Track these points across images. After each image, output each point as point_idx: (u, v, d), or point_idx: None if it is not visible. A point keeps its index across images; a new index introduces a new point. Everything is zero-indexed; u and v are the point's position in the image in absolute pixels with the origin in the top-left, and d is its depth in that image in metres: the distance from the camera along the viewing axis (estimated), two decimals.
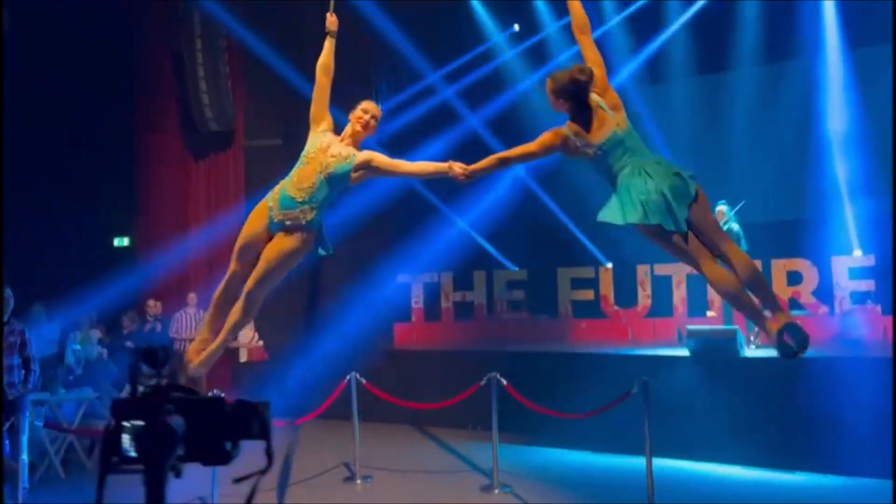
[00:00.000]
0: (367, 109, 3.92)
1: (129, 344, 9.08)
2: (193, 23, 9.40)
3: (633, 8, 10.81)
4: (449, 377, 8.28)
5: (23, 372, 5.46)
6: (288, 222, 3.77)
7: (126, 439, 1.04)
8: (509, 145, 12.04)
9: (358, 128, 3.89)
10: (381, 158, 3.86)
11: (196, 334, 9.03)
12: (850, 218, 9.33)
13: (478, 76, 11.44)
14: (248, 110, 10.26)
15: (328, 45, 3.98)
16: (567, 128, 3.64)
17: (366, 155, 3.84)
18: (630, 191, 3.48)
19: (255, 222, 3.85)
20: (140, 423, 1.04)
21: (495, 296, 11.19)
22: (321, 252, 3.96)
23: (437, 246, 10.91)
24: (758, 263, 3.76)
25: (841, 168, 9.48)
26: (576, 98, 3.61)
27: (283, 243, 3.77)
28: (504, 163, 3.86)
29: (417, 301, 11.13)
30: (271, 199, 3.85)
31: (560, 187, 11.10)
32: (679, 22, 10.53)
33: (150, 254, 10.14)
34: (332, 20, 3.99)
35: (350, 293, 10.71)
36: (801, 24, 9.67)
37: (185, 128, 10.15)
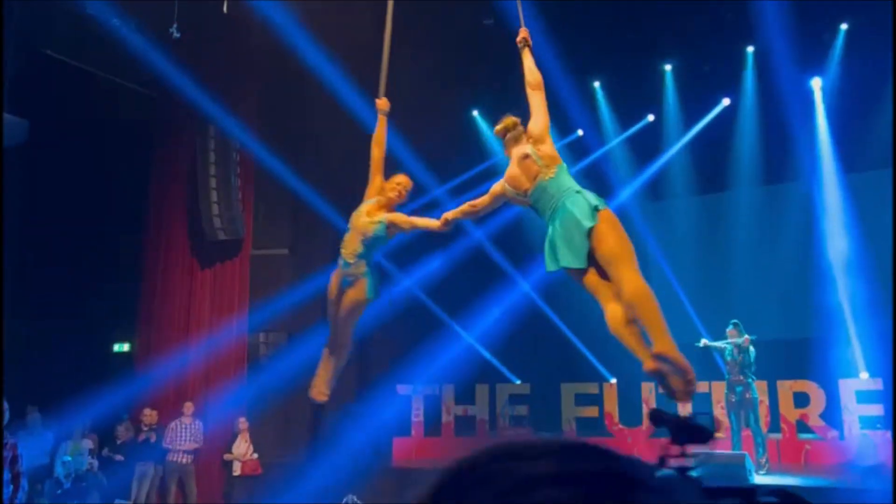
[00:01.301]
0: (399, 182, 4.82)
1: (118, 457, 8.82)
2: (208, 137, 9.71)
3: (633, 129, 11.20)
4: None
5: (11, 487, 5.28)
6: (350, 278, 4.71)
7: None
8: (514, 259, 12.18)
9: (392, 195, 4.77)
10: (400, 218, 4.71)
11: (192, 446, 8.89)
12: (855, 339, 9.26)
13: (482, 191, 11.68)
14: (256, 220, 10.43)
15: (381, 123, 4.88)
16: (503, 182, 4.17)
17: (390, 217, 4.68)
18: (546, 240, 3.94)
19: (332, 283, 4.82)
20: None
21: (497, 410, 10.98)
22: (370, 295, 4.72)
23: (439, 357, 10.80)
24: (650, 296, 3.66)
25: (843, 289, 9.50)
26: (504, 142, 4.24)
27: (351, 294, 4.72)
28: (473, 209, 4.53)
29: (417, 414, 10.91)
30: (339, 264, 4.78)
31: (563, 301, 11.12)
32: (679, 144, 10.87)
33: (149, 361, 10.02)
34: (383, 103, 4.88)
35: (349, 404, 10.51)
36: (798, 148, 9.96)
37: (193, 236, 10.29)
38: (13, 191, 9.19)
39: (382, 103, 4.86)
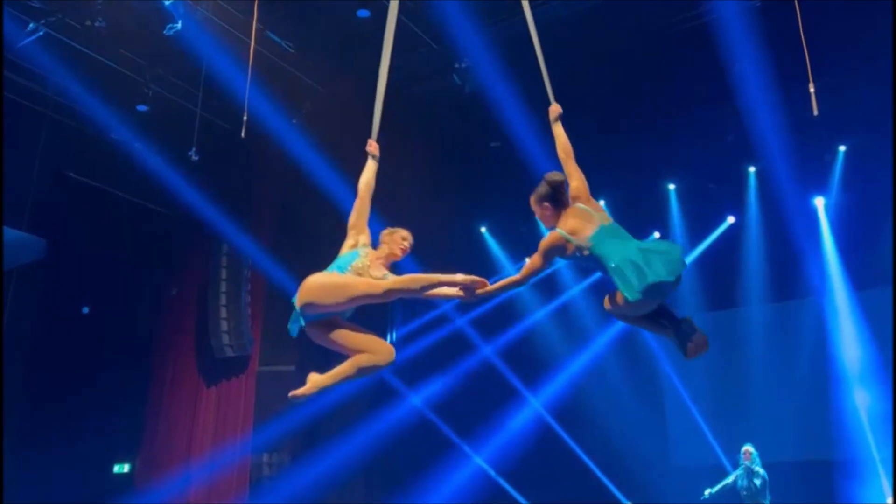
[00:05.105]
0: (406, 238, 4.34)
1: None
2: (221, 254, 9.87)
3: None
4: None
5: None
6: None
7: None
8: (523, 376, 12.05)
9: (398, 252, 4.29)
10: (414, 279, 3.97)
11: None
12: (878, 460, 8.95)
13: (490, 306, 11.70)
14: (264, 336, 10.41)
15: (369, 166, 4.39)
16: (560, 230, 3.79)
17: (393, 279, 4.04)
18: (633, 262, 3.58)
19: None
20: None
21: None
22: None
23: (447, 480, 10.48)
24: None
25: (863, 408, 9.28)
26: (555, 200, 3.87)
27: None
28: (518, 284, 3.91)
29: None
30: None
31: (576, 421, 10.89)
32: (686, 261, 10.92)
33: (149, 483, 9.74)
34: (373, 146, 4.41)
35: None
36: (806, 265, 10.00)
37: (200, 353, 10.24)
38: (29, 306, 9.27)
39: (372, 146, 4.41)
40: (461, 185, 10.98)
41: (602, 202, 10.86)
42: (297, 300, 3.91)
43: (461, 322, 11.43)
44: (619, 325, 11.12)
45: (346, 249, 4.20)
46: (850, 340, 9.61)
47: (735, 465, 8.86)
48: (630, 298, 3.50)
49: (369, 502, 10.47)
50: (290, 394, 3.78)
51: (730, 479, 8.37)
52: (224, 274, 9.88)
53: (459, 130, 10.15)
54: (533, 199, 3.95)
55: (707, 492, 8.45)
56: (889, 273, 9.11)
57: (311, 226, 10.56)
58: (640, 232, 12.41)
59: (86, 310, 10.15)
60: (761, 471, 8.13)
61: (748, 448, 8.34)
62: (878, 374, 9.25)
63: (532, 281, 3.96)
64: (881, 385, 9.18)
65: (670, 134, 9.69)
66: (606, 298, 3.83)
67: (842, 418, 9.38)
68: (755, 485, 8.08)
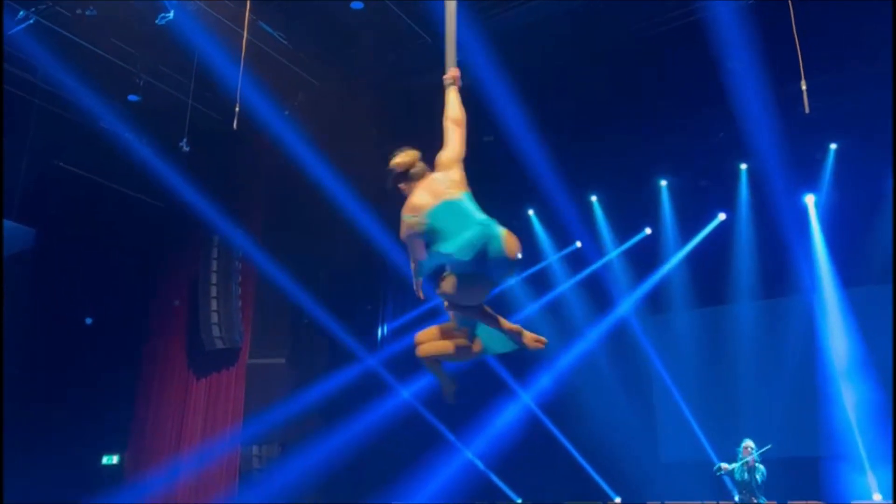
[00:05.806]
0: None
1: None
2: (212, 246, 9.83)
3: (631, 242, 11.33)
4: None
5: None
6: None
7: None
8: (513, 372, 11.96)
9: None
10: None
11: None
12: (864, 456, 9.02)
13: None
14: (254, 329, 10.39)
15: (452, 97, 3.83)
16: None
17: None
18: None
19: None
20: None
21: None
22: None
23: (436, 474, 10.49)
24: None
25: (850, 404, 9.34)
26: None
27: None
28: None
29: None
30: None
31: (566, 416, 10.91)
32: (677, 257, 10.97)
33: (138, 474, 9.71)
34: (454, 73, 3.88)
35: None
36: (796, 262, 10.03)
37: (191, 345, 10.22)
38: (18, 296, 9.21)
39: (455, 73, 3.91)
40: None
41: (595, 198, 11.17)
42: (512, 251, 3.33)
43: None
44: (609, 322, 11.15)
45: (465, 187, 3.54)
46: (839, 337, 9.66)
47: (727, 462, 8.85)
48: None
49: (359, 495, 10.46)
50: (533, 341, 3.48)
51: (736, 465, 8.33)
52: (215, 266, 9.84)
53: None
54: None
55: (723, 467, 8.38)
56: (879, 270, 9.16)
57: (303, 218, 10.53)
58: (633, 228, 12.34)
59: (89, 321, 10.10)
60: (761, 467, 8.14)
61: (748, 443, 8.31)
62: (866, 371, 9.31)
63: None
64: (869, 382, 9.23)
65: (662, 131, 9.69)
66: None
67: (830, 415, 9.43)
68: (755, 480, 8.06)
